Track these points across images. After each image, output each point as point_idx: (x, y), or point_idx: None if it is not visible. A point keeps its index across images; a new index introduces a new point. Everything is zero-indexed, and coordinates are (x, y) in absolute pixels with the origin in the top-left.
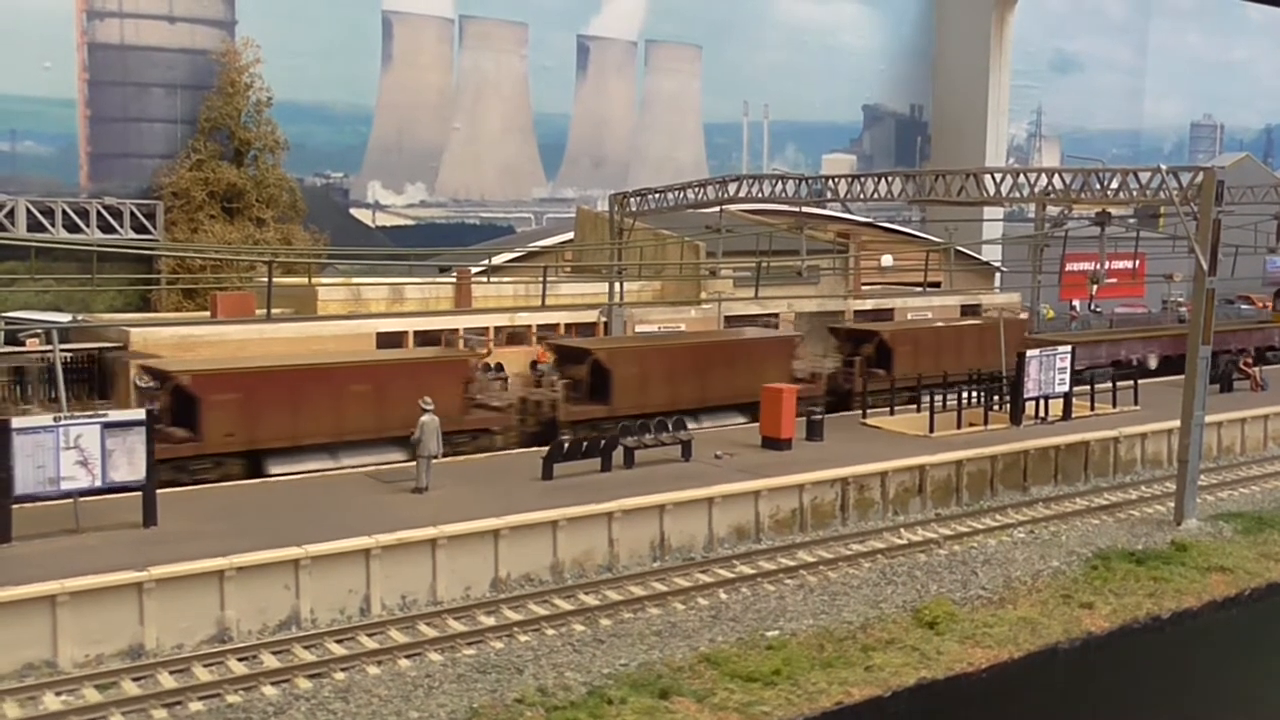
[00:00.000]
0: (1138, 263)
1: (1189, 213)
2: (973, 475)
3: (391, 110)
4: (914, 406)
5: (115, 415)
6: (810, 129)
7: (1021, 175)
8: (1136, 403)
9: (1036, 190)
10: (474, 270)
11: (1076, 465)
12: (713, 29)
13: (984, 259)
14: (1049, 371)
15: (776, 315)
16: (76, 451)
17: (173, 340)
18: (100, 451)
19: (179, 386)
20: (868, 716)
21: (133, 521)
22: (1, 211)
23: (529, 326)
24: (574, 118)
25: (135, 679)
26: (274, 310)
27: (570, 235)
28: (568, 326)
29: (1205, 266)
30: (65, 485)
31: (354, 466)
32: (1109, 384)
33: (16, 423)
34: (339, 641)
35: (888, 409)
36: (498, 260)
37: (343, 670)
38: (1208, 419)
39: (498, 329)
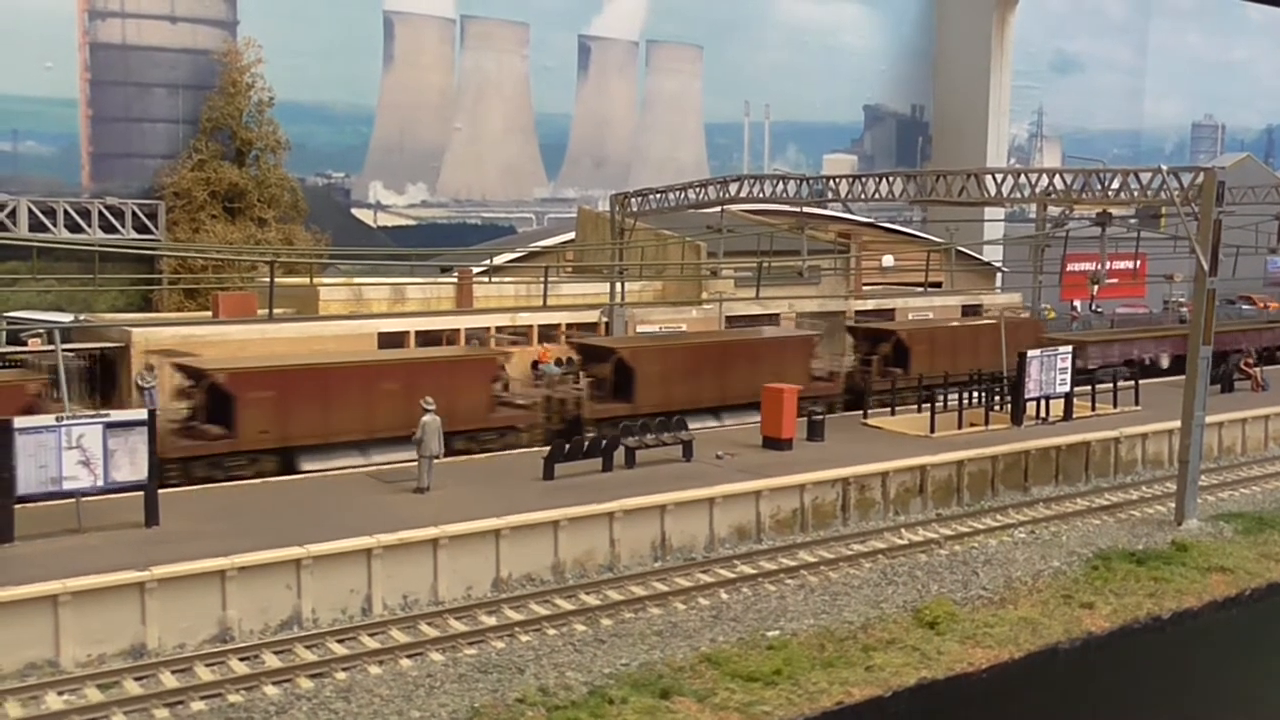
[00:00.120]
0: (1139, 263)
1: (1190, 213)
2: (974, 475)
3: (393, 110)
4: (929, 405)
5: (117, 415)
6: (811, 129)
7: (1022, 176)
8: (1137, 403)
9: (1037, 191)
10: (475, 270)
11: (1077, 465)
12: (714, 29)
13: (985, 259)
14: (1050, 372)
15: (777, 315)
16: (79, 451)
17: (174, 340)
18: (102, 451)
19: (214, 385)
20: (868, 716)
21: (135, 521)
22: (3, 211)
23: (530, 326)
24: (575, 118)
25: (137, 678)
26: (276, 310)
27: (571, 235)
28: (569, 326)
29: (1206, 267)
30: (67, 485)
31: (384, 463)
32: (1121, 382)
33: (19, 422)
34: (341, 641)
35: (906, 406)
36: (499, 260)
37: (344, 670)
38: (1209, 419)
39: (499, 328)
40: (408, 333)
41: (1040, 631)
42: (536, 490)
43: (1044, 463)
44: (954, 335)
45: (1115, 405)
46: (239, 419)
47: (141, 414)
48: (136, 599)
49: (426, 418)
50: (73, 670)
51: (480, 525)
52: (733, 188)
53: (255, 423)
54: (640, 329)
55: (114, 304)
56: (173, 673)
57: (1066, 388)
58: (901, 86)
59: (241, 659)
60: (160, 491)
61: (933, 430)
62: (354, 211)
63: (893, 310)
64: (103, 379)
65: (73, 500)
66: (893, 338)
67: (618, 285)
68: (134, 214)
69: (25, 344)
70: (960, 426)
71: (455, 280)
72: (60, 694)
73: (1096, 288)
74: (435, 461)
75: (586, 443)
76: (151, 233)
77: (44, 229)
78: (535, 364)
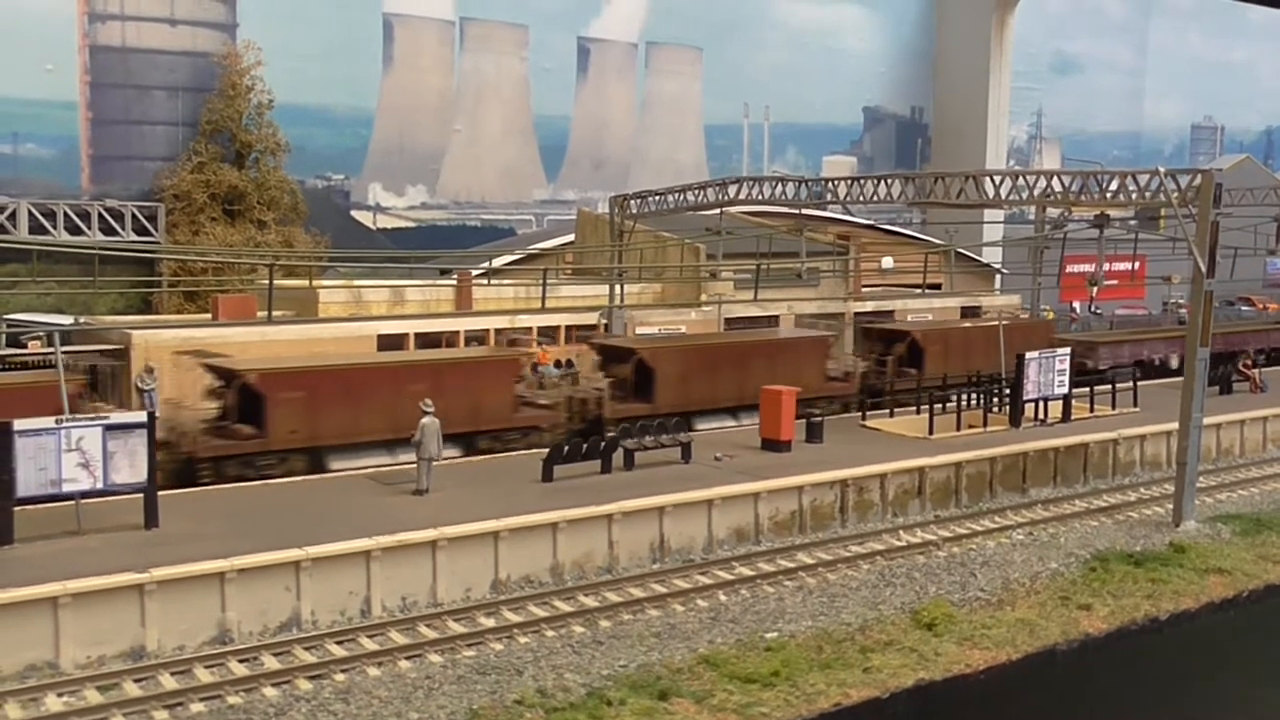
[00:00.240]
0: (1138, 265)
1: (1187, 215)
2: (972, 477)
3: (392, 112)
4: (943, 405)
5: (117, 417)
6: (811, 131)
7: (1021, 177)
8: (1136, 404)
9: (1036, 192)
10: (474, 272)
11: (1075, 467)
12: (713, 31)
13: (984, 261)
14: (1048, 374)
15: (776, 317)
16: (78, 454)
17: (174, 342)
18: (102, 453)
19: (246, 385)
20: (866, 718)
21: (134, 523)
22: (3, 214)
23: (529, 328)
24: (574, 120)
25: (137, 680)
26: (275, 312)
27: (571, 237)
28: (568, 328)
29: (1203, 268)
30: (67, 487)
31: (410, 462)
32: (1132, 383)
33: (19, 424)
34: (339, 643)
35: (908, 407)
36: (498, 262)
37: (343, 671)
38: (1207, 421)
39: (499, 330)
40: (407, 335)
41: (1038, 633)
42: (535, 492)
43: (1042, 464)
44: (967, 336)
45: (1114, 407)
46: (270, 419)
47: (140, 416)
48: (136, 601)
49: (425, 420)
50: (72, 672)
51: (479, 527)
52: (732, 189)
53: (285, 423)
54: (639, 331)
55: (114, 306)
56: (172, 674)
57: (1065, 389)
58: (901, 88)
59: (241, 661)
60: (160, 494)
61: (931, 432)
62: (353, 214)
63: (892, 312)
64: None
65: (72, 502)
66: (907, 338)
67: (617, 287)
68: (134, 216)
69: (25, 346)
70: (959, 428)
71: (454, 282)
72: (60, 695)
73: (1095, 289)
74: (434, 464)
75: (585, 444)
76: (151, 235)
77: (44, 231)
78: (535, 366)
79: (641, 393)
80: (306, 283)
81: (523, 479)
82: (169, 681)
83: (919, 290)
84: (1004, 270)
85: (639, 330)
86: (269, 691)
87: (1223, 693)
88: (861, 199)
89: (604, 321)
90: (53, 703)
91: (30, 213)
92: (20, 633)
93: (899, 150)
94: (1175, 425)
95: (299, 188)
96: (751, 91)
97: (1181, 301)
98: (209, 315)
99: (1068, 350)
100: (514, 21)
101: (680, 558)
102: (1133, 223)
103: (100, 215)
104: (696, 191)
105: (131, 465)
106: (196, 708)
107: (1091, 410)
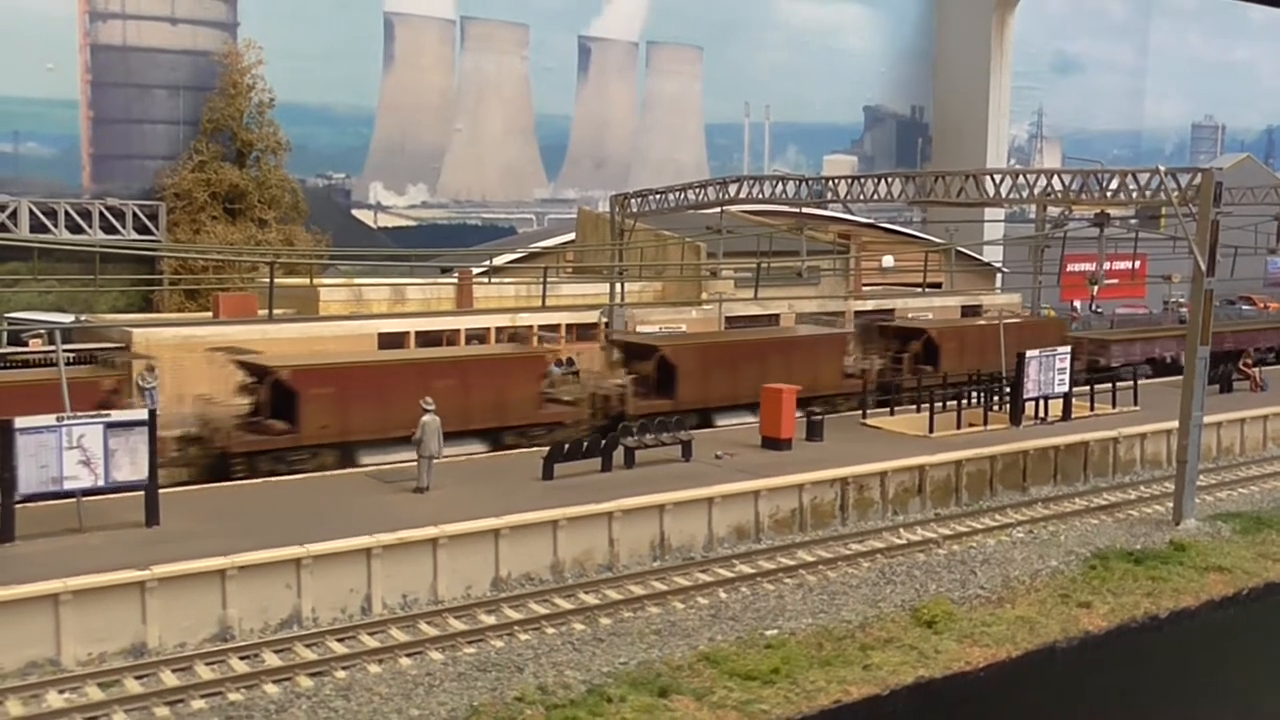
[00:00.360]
0: (1138, 263)
1: (1188, 214)
2: (972, 475)
3: (393, 111)
4: (956, 403)
5: (118, 415)
6: (811, 130)
7: (1021, 176)
8: (1136, 403)
9: (1036, 191)
10: (475, 271)
11: (1076, 465)
12: (714, 30)
13: (985, 260)
14: (1048, 372)
15: (777, 316)
16: (79, 451)
17: (174, 341)
18: (103, 451)
19: (278, 381)
20: (866, 715)
21: (135, 521)
22: (4, 213)
23: (530, 327)
24: (575, 119)
25: (138, 677)
26: (276, 311)
27: (571, 236)
28: (569, 327)
29: (1203, 267)
30: (68, 485)
31: (446, 457)
32: (1132, 382)
33: (20, 422)
34: (340, 640)
35: (929, 405)
36: (499, 261)
37: (344, 668)
38: (1207, 419)
39: (499, 328)
40: (407, 333)
41: (1038, 630)
42: (536, 490)
43: (1042, 463)
44: (981, 334)
45: (1114, 405)
46: (302, 414)
47: (142, 414)
48: (137, 598)
49: (426, 418)
50: (73, 669)
51: (479, 525)
52: (732, 188)
53: (317, 418)
54: (640, 329)
55: (115, 305)
56: (173, 671)
57: (1065, 388)
58: (901, 87)
59: (242, 658)
60: (160, 491)
61: (931, 430)
62: (354, 212)
63: (892, 310)
64: None
65: (74, 500)
66: (923, 336)
67: (617, 286)
68: (135, 215)
69: (26, 344)
70: (959, 426)
71: (455, 281)
72: (61, 692)
73: (1096, 288)
74: (434, 461)
75: (585, 442)
76: (152, 234)
77: (45, 230)
78: None
79: (664, 389)
80: (307, 281)
81: (523, 477)
82: (170, 678)
83: (919, 289)
84: (1004, 269)
85: (639, 329)
86: (270, 688)
87: (1222, 690)
88: (862, 198)
89: (604, 320)
90: (54, 699)
91: (31, 211)
92: (22, 630)
93: (899, 149)
94: (1175, 424)
95: (300, 186)
96: (752, 91)
97: (1182, 300)
98: (209, 314)
99: (1068, 349)
100: (515, 21)
101: (681, 555)
102: (1133, 221)
103: (101, 214)
104: (697, 190)
105: (133, 463)
106: (197, 704)
107: (1092, 409)
